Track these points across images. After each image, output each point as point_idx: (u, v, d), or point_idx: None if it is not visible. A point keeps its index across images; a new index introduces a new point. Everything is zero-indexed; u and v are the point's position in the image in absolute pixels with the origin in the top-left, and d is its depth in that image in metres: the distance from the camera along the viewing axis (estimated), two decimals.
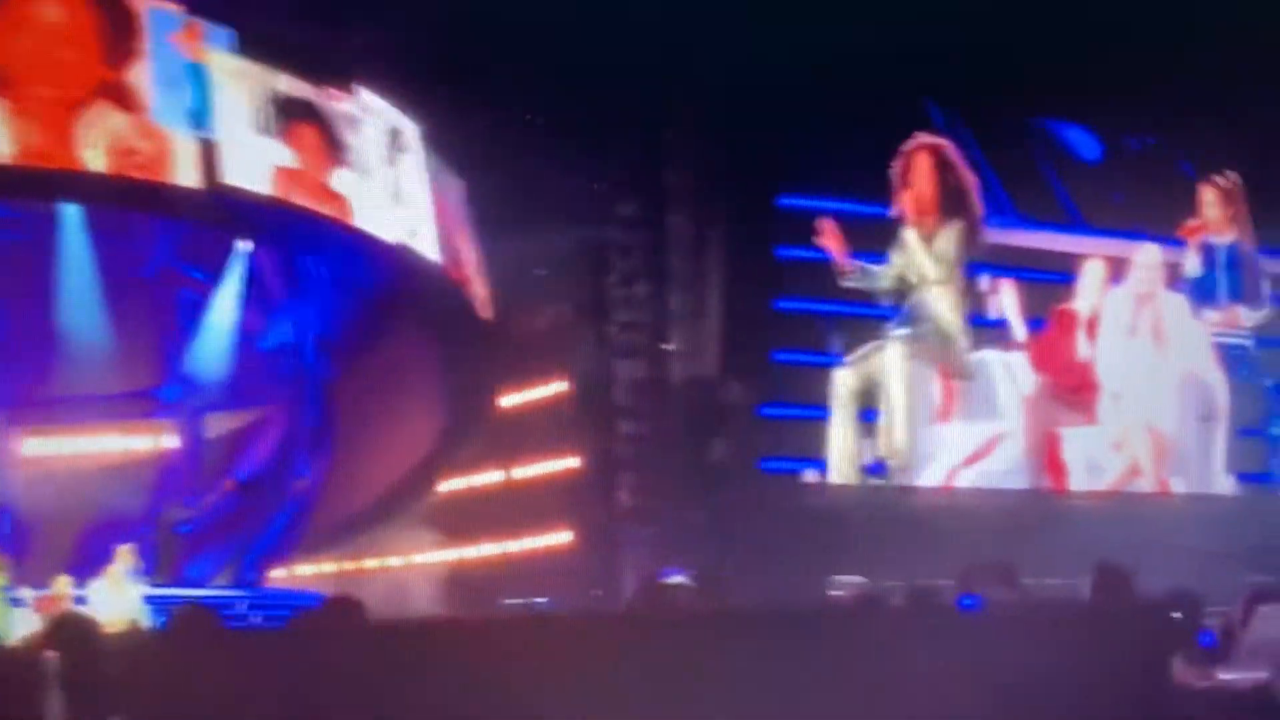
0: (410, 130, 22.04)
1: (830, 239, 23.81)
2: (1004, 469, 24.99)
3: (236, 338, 22.28)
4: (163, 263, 22.71)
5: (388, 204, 21.36)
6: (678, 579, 15.39)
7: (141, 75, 19.06)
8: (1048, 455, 25.32)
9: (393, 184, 21.50)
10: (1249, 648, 11.38)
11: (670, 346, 23.90)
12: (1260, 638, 11.38)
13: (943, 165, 24.58)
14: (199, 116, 19.25)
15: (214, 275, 22.11)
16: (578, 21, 21.51)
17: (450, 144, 22.34)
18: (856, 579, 19.89)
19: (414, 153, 22.07)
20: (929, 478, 24.52)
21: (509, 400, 24.80)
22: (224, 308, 22.12)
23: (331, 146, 20.62)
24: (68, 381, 22.00)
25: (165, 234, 22.40)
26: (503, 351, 23.81)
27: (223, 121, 19.43)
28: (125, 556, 19.13)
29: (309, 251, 22.05)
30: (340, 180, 20.69)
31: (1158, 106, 24.70)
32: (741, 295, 23.78)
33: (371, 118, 21.38)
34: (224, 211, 19.88)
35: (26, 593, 18.32)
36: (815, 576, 20.39)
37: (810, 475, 24.00)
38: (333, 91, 20.83)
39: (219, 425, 23.62)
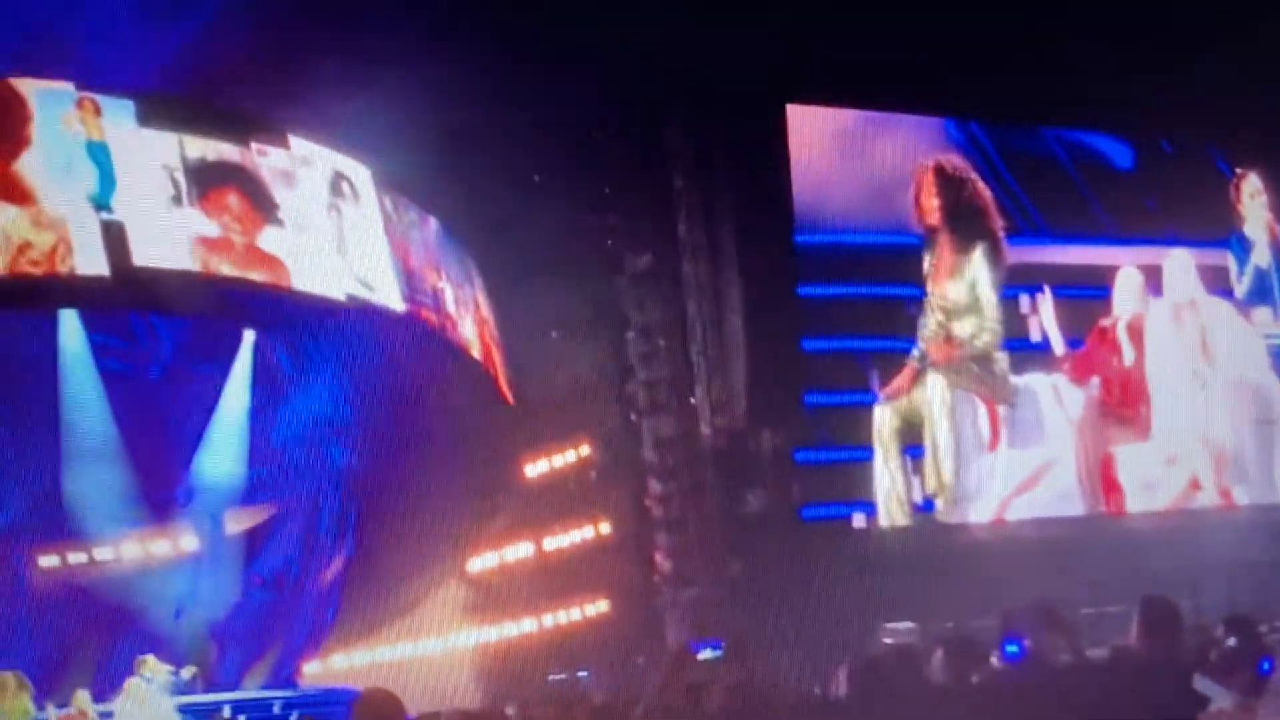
0: (359, 174, 20.41)
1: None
2: (1056, 496, 23.94)
3: (249, 432, 21.58)
4: (168, 360, 21.87)
5: (332, 257, 19.77)
6: (708, 653, 14.13)
7: (31, 163, 17.66)
8: (1101, 477, 24.31)
9: (335, 235, 19.91)
10: None
11: (696, 399, 22.91)
12: None
13: (955, 183, 23.61)
14: (102, 198, 17.84)
15: (222, 368, 21.36)
16: (570, 68, 20.94)
17: (409, 181, 21.05)
18: (907, 625, 20.22)
19: (363, 198, 20.41)
20: (980, 512, 23.49)
21: (533, 469, 24.05)
22: (234, 402, 21.48)
23: (258, 207, 19.04)
24: (78, 491, 21.18)
25: (167, 330, 21.62)
26: (524, 420, 22.99)
27: (129, 199, 17.99)
28: (148, 666, 18.64)
29: (255, 324, 20.99)
30: (272, 240, 19.09)
31: (1186, 103, 23.24)
32: (766, 339, 22.81)
33: (307, 169, 19.80)
34: (139, 295, 18.62)
35: (51, 712, 17.73)
36: (866, 624, 20.14)
37: (858, 519, 22.92)
38: (261, 147, 19.33)
39: (238, 522, 22.75)
